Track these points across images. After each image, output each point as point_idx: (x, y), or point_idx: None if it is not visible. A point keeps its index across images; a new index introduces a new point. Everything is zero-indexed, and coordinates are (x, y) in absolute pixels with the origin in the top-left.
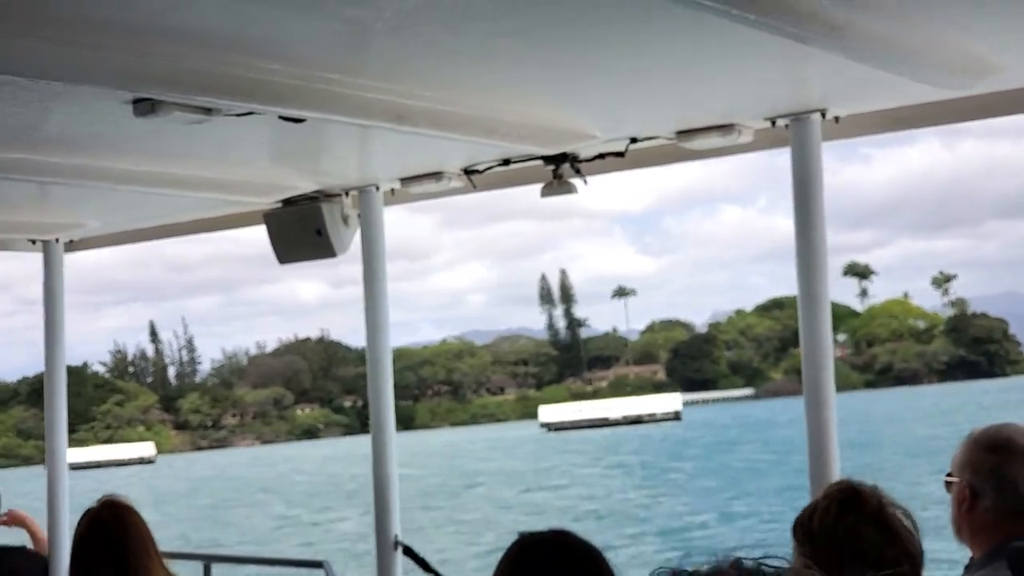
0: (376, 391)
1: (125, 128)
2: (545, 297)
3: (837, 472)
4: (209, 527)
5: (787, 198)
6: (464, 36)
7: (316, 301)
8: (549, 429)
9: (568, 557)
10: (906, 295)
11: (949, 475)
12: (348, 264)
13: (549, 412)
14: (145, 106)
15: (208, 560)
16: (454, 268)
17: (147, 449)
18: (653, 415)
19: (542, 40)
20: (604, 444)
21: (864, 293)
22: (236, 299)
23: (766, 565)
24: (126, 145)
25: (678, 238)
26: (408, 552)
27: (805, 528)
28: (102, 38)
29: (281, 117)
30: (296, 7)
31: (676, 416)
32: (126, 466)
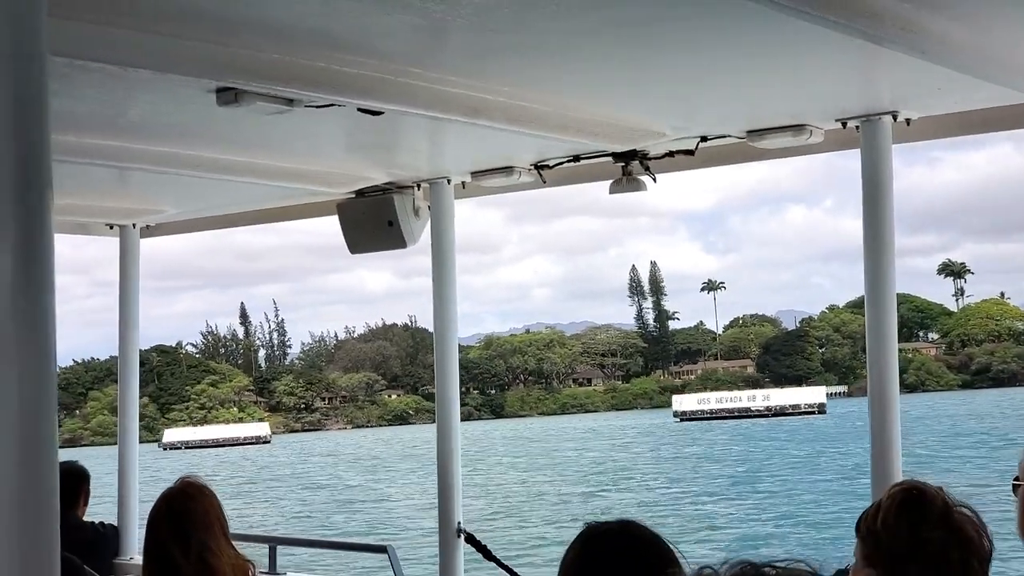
0: (442, 382)
1: (207, 117)
2: (635, 288)
3: (900, 471)
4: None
5: (854, 199)
6: (540, 33)
7: (383, 291)
8: (683, 418)
9: (634, 547)
10: (1003, 295)
11: (1016, 479)
12: (415, 255)
13: (683, 401)
14: (228, 95)
15: (274, 542)
16: (520, 262)
17: (262, 429)
18: (797, 407)
19: (616, 39)
20: (794, 434)
21: (961, 292)
22: (304, 287)
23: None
24: (206, 133)
25: (743, 237)
26: (471, 540)
27: (869, 527)
28: (189, 28)
29: (360, 109)
30: (379, 2)
31: (820, 409)
32: (243, 445)
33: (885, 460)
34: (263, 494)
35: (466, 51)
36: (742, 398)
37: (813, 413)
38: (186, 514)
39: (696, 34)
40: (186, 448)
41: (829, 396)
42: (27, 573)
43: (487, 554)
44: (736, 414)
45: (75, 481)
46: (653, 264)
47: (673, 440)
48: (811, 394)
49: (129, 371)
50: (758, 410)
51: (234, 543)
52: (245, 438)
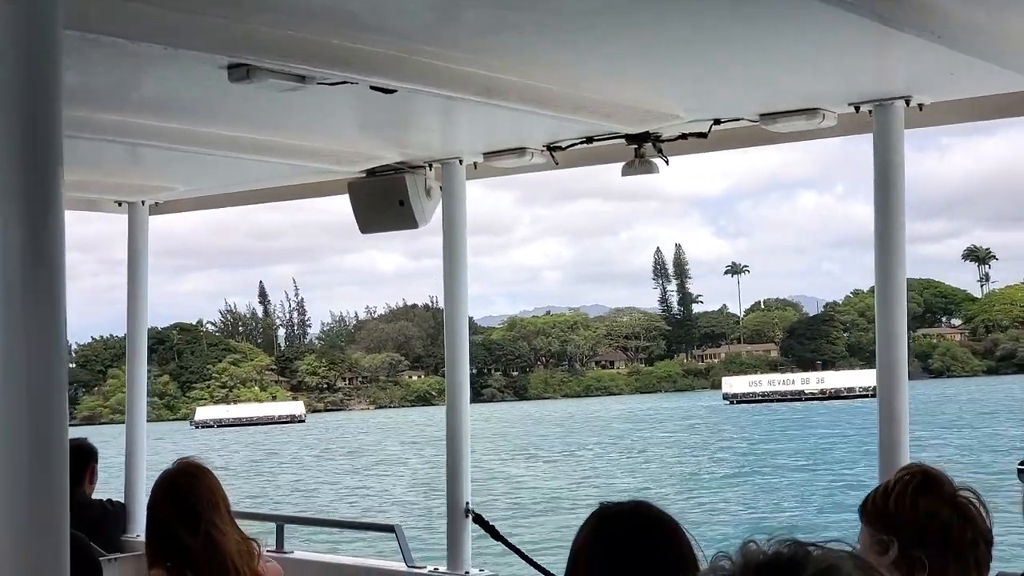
0: (452, 362)
1: (218, 93)
2: (659, 271)
3: (908, 455)
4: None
5: (865, 185)
6: (554, 13)
7: (394, 271)
8: (733, 401)
9: (646, 527)
10: None
11: (1022, 464)
12: (426, 236)
13: (734, 383)
14: (240, 72)
15: (281, 521)
16: (530, 244)
17: (297, 408)
18: (852, 390)
19: (632, 20)
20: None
21: (986, 278)
22: (318, 267)
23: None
24: (218, 110)
25: (754, 222)
26: (478, 520)
27: (880, 509)
28: (202, 3)
29: (373, 87)
30: None
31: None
32: (278, 424)
33: (893, 445)
34: (364, 471)
35: (480, 30)
36: (795, 380)
37: (868, 396)
38: (192, 492)
39: (711, 15)
40: (219, 426)
41: None
42: (35, 549)
43: (495, 534)
44: (789, 397)
45: (79, 458)
46: (678, 247)
47: (742, 422)
48: (866, 377)
49: (137, 349)
50: (812, 393)
51: (242, 521)
52: (279, 416)
